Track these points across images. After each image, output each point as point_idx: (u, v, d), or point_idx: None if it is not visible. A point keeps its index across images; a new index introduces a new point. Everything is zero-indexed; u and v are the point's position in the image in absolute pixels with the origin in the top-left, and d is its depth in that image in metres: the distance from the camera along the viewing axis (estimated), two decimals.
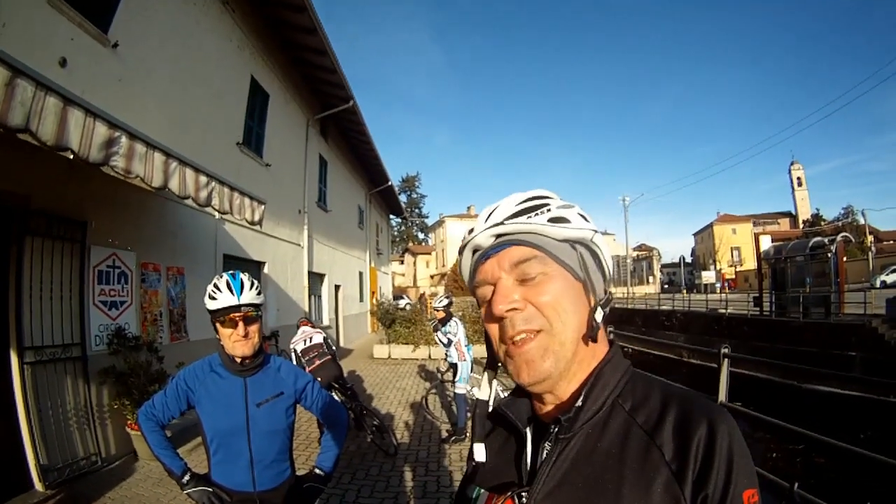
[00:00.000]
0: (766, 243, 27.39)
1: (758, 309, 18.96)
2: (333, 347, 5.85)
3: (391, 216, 31.61)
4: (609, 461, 0.68)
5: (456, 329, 6.52)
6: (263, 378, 2.01)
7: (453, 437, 5.98)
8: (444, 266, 56.15)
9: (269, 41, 9.94)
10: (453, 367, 6.72)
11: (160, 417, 1.98)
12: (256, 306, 1.93)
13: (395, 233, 53.59)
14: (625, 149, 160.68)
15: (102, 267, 5.28)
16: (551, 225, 0.75)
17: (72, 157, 3.73)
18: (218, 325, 1.90)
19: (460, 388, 6.29)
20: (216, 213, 7.55)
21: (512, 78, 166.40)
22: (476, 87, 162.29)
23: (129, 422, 5.08)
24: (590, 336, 0.74)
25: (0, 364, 4.22)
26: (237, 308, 1.86)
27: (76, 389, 4.78)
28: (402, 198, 32.85)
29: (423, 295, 23.10)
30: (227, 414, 1.91)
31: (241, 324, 1.87)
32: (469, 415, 6.15)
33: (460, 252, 0.87)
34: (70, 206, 4.84)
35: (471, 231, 0.82)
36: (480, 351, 12.19)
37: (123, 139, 3.39)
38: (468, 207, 61.98)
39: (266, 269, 9.85)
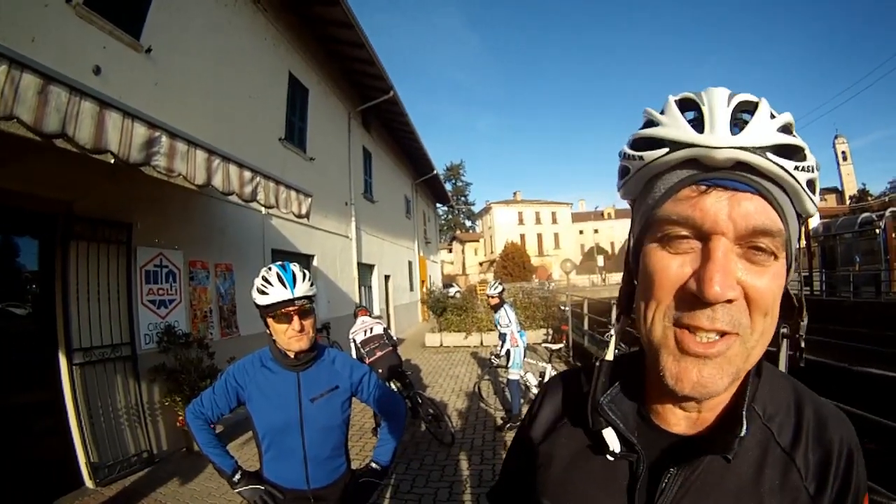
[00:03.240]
0: (814, 220, 26.15)
1: (808, 288, 17.90)
2: (394, 338, 5.77)
3: (437, 205, 31.36)
4: (745, 483, 0.55)
5: (507, 317, 6.21)
6: (317, 372, 1.89)
7: (508, 425, 5.74)
8: (492, 253, 55.55)
9: (304, 37, 9.70)
10: (507, 353, 6.43)
11: (209, 415, 1.87)
12: (310, 298, 1.80)
13: (442, 221, 53.49)
14: None
15: (150, 267, 5.19)
16: (807, 192, 0.52)
17: (112, 160, 3.68)
18: (270, 320, 1.77)
19: (513, 375, 6.01)
20: (262, 209, 7.53)
21: (552, 61, 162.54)
22: (516, 72, 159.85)
23: (180, 417, 4.97)
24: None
25: (49, 366, 4.18)
26: (291, 302, 1.73)
27: (126, 388, 4.71)
28: (448, 186, 32.71)
29: (473, 287, 22.84)
30: (280, 410, 1.81)
31: (296, 318, 1.75)
32: (522, 400, 6.05)
33: (651, 145, 0.55)
34: (114, 209, 4.75)
35: (697, 124, 0.52)
36: (534, 337, 11.94)
37: (164, 138, 3.35)
38: (514, 193, 60.92)
39: (315, 262, 9.72)
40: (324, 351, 1.96)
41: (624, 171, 0.60)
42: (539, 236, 58.15)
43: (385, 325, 5.82)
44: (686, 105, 0.54)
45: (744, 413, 0.55)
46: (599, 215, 64.18)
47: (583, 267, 51.37)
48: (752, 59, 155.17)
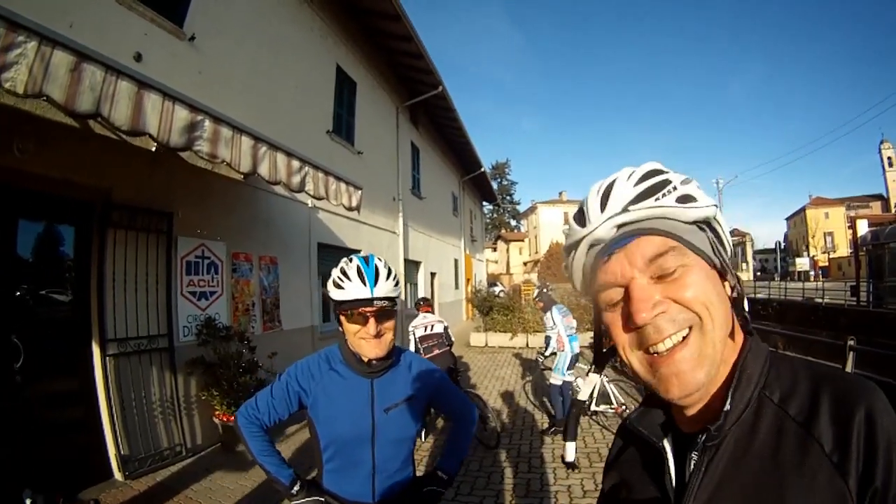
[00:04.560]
0: (863, 228, 24.57)
1: (854, 299, 16.81)
2: (452, 339, 5.61)
3: (484, 203, 30.86)
4: (765, 464, 0.58)
5: (552, 320, 5.85)
6: (393, 379, 1.66)
7: (552, 429, 5.50)
8: (536, 253, 54.50)
9: (350, 29, 9.40)
10: (554, 355, 6.09)
11: (264, 420, 1.64)
12: (392, 300, 1.56)
13: (487, 220, 52.93)
14: (714, 129, 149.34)
15: (190, 258, 4.97)
16: (681, 206, 0.64)
17: (154, 146, 3.49)
18: (342, 318, 1.56)
19: (555, 380, 5.66)
20: (310, 201, 7.31)
21: (595, 61, 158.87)
22: (560, 70, 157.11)
23: (217, 412, 4.74)
24: (743, 330, 0.68)
25: (82, 356, 4.00)
26: (369, 302, 1.50)
27: (162, 380, 4.50)
28: (493, 185, 31.97)
29: (518, 286, 22.37)
30: (350, 420, 1.58)
31: (372, 320, 1.51)
32: (567, 408, 5.54)
33: (568, 250, 0.72)
34: (154, 197, 4.54)
35: (580, 221, 0.69)
36: (583, 340, 11.41)
37: (207, 123, 3.20)
38: (560, 193, 59.48)
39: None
40: (400, 355, 1.72)
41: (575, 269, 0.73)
42: None
43: (446, 324, 5.63)
44: (579, 211, 0.69)
45: (730, 394, 0.61)
46: None
47: None
48: (797, 60, 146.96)
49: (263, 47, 6.57)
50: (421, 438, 5.25)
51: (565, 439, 4.62)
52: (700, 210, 0.64)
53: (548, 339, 6.06)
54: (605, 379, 5.87)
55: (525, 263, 58.08)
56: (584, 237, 0.66)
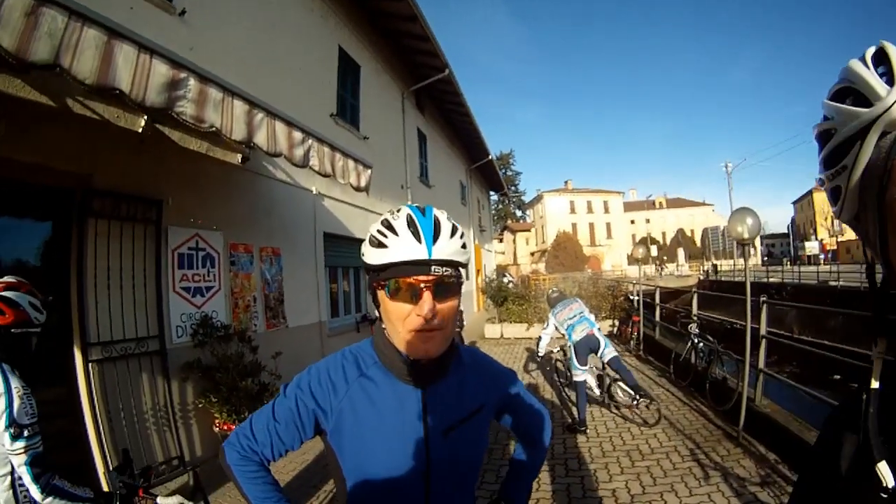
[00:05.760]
0: None
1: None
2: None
3: (491, 192, 30.26)
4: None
5: (547, 323, 5.85)
6: (453, 386, 1.11)
7: (575, 428, 5.23)
8: (543, 242, 53.91)
9: (353, 10, 8.85)
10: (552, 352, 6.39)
11: (264, 454, 1.09)
12: (457, 267, 1.01)
13: (493, 210, 52.33)
14: (721, 113, 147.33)
15: (183, 249, 4.45)
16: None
17: (142, 127, 3.04)
18: (381, 293, 1.01)
19: (576, 376, 5.36)
20: (314, 188, 6.81)
21: (596, 50, 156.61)
22: (562, 61, 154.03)
23: (216, 420, 4.22)
24: None
25: (61, 363, 3.49)
26: (424, 267, 0.96)
27: (154, 387, 3.98)
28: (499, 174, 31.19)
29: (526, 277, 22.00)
30: (393, 451, 1.03)
31: (427, 295, 0.95)
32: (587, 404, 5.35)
33: (838, 152, 0.53)
34: (141, 183, 4.02)
35: (860, 99, 0.49)
36: (604, 327, 10.96)
37: (192, 81, 2.79)
38: (565, 182, 58.69)
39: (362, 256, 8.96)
40: (458, 351, 1.16)
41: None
42: (591, 226, 55.71)
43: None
44: (844, 89, 0.52)
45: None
46: (651, 204, 61.21)
47: (633, 258, 49.10)
48: (804, 41, 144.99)
49: (260, 25, 6.03)
50: None
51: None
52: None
53: (539, 339, 5.97)
54: (610, 377, 5.58)
55: (532, 253, 57.54)
56: (876, 119, 0.47)
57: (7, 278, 1.99)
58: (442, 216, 1.01)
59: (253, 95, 3.40)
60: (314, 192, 6.92)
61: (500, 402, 1.24)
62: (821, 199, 56.04)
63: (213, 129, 2.98)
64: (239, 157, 4.11)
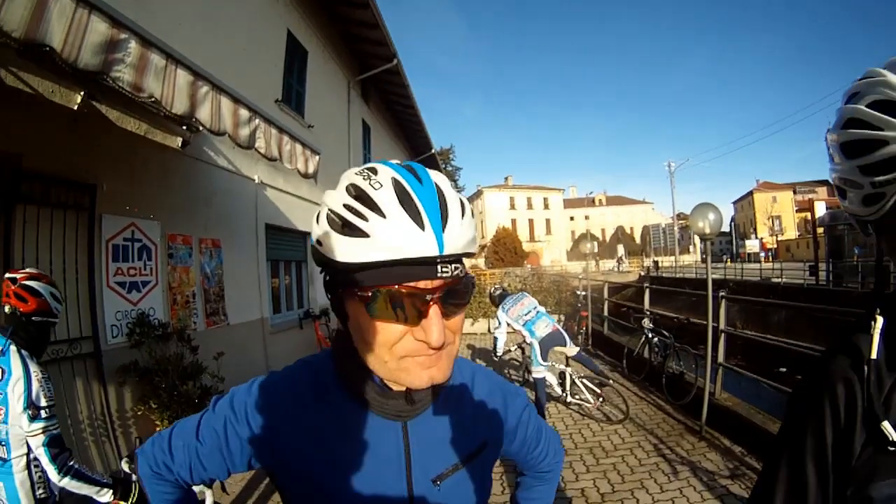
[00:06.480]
0: (820, 209, 25.93)
1: (813, 278, 17.84)
2: None
3: None
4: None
5: (497, 322, 5.59)
6: (444, 417, 0.82)
7: None
8: (483, 238, 54.62)
9: None
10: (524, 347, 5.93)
11: (181, 475, 0.83)
12: (462, 258, 0.69)
13: None
14: (665, 115, 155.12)
15: (118, 240, 4.10)
16: None
17: (77, 104, 2.72)
18: (356, 306, 0.66)
19: (536, 373, 5.16)
20: (256, 177, 6.48)
21: (539, 48, 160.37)
22: (503, 57, 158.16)
23: (157, 428, 3.94)
24: None
25: None
26: (431, 265, 0.62)
27: (89, 394, 3.64)
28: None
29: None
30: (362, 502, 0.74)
31: (434, 311, 0.63)
32: (546, 403, 5.26)
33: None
34: (73, 165, 3.66)
35: None
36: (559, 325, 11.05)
37: (133, 44, 2.51)
38: (506, 178, 59.67)
39: (314, 241, 8.65)
40: (454, 371, 0.84)
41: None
42: (531, 222, 57.19)
43: None
44: None
45: None
46: (591, 202, 63.60)
47: (573, 253, 50.66)
48: (744, 49, 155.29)
49: (213, 6, 5.69)
50: None
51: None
52: None
53: (495, 340, 5.67)
54: (574, 375, 5.58)
55: None
56: None
57: (29, 269, 2.13)
58: (443, 183, 0.67)
59: (198, 65, 3.12)
60: (256, 181, 6.61)
61: (510, 437, 0.95)
62: (761, 199, 59.78)
63: (153, 99, 2.71)
64: (179, 140, 3.84)
